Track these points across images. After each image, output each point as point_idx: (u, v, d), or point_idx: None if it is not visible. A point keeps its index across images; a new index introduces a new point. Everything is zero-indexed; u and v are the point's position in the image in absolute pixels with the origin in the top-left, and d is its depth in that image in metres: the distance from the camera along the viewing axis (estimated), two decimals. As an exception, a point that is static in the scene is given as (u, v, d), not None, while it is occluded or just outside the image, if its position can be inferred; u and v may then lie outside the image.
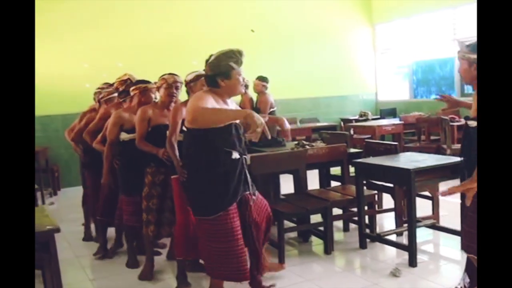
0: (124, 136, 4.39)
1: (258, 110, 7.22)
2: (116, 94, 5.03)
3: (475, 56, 2.99)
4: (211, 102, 3.21)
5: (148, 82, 4.50)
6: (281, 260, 4.37)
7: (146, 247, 4.42)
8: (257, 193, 3.60)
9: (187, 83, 4.02)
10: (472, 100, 3.24)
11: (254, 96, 7.72)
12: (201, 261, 3.97)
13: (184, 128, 3.47)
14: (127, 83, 4.68)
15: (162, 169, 4.12)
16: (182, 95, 4.19)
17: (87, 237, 5.59)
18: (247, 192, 3.48)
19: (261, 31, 10.20)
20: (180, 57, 9.02)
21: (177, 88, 4.17)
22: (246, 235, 3.49)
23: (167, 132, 3.90)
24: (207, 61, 3.39)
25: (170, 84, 4.12)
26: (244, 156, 3.41)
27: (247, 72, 8.28)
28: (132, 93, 4.47)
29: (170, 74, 4.18)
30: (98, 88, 5.47)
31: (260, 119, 2.92)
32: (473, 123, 3.07)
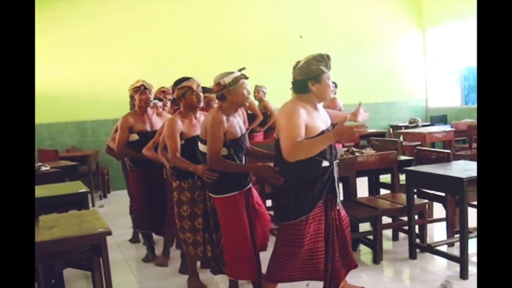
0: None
1: None
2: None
3: None
4: (303, 120, 3.19)
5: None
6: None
7: (191, 270, 4.26)
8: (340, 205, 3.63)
9: (224, 87, 3.54)
10: None
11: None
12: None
13: (275, 135, 3.39)
14: (141, 89, 4.77)
15: (199, 183, 3.99)
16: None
17: (134, 239, 5.68)
18: (334, 197, 3.50)
19: (310, 36, 10.18)
20: (228, 63, 9.06)
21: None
22: (327, 237, 3.51)
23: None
24: (294, 67, 3.37)
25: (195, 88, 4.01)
26: (335, 162, 3.43)
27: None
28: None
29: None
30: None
31: (345, 131, 3.01)
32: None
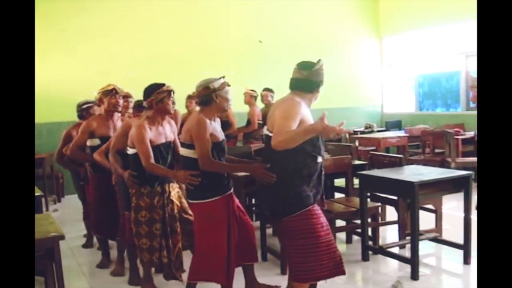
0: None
1: None
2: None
3: None
4: (300, 115, 3.20)
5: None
6: (284, 272, 4.38)
7: (146, 274, 4.21)
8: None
9: (213, 91, 3.60)
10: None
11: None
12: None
13: (266, 131, 3.38)
14: (112, 93, 4.69)
15: (158, 189, 4.03)
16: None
17: (87, 244, 5.63)
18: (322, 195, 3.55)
19: (269, 42, 10.27)
20: (190, 67, 9.11)
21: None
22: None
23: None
24: (304, 66, 3.37)
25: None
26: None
27: (255, 84, 8.40)
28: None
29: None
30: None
31: (328, 128, 3.04)
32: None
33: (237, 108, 7.17)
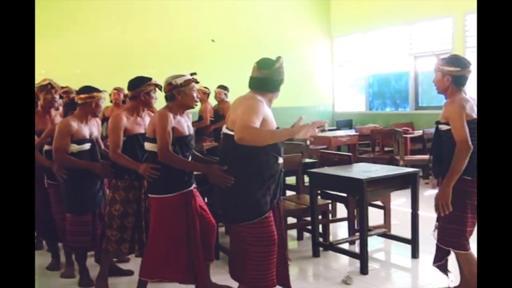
0: (74, 147, 4.12)
1: (221, 117, 7.57)
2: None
3: (448, 68, 3.37)
4: (263, 113, 3.15)
5: (100, 90, 4.25)
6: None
7: (104, 265, 4.16)
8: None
9: (175, 87, 3.62)
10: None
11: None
12: None
13: (225, 130, 3.32)
14: (47, 88, 4.52)
15: (136, 183, 3.98)
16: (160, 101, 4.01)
17: (36, 246, 5.44)
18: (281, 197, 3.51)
19: (222, 41, 10.27)
20: (139, 66, 9.01)
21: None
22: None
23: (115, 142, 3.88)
24: (264, 64, 3.31)
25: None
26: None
27: (208, 81, 8.39)
28: (80, 101, 4.14)
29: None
30: None
31: (302, 132, 3.02)
32: (444, 127, 3.39)
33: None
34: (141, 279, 3.75)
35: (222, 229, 5.29)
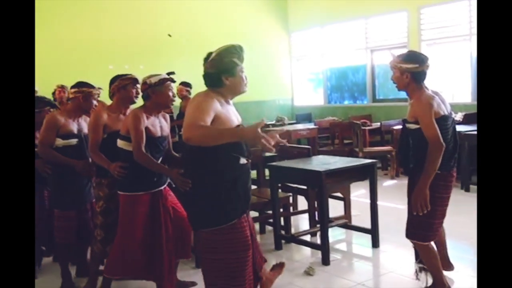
0: (59, 142, 4.00)
1: (183, 115, 7.39)
2: None
3: (406, 65, 3.38)
4: (213, 111, 2.85)
5: (92, 86, 4.15)
6: (199, 265, 4.38)
7: (92, 267, 4.05)
8: None
9: (149, 86, 3.58)
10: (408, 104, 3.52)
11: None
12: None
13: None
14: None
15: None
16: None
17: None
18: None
19: (179, 36, 10.20)
20: (95, 61, 8.89)
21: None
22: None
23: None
24: (205, 59, 3.08)
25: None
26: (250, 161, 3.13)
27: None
28: (71, 95, 4.10)
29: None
30: None
31: (259, 136, 2.57)
32: (412, 126, 3.39)
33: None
34: (105, 276, 3.73)
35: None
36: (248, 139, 2.67)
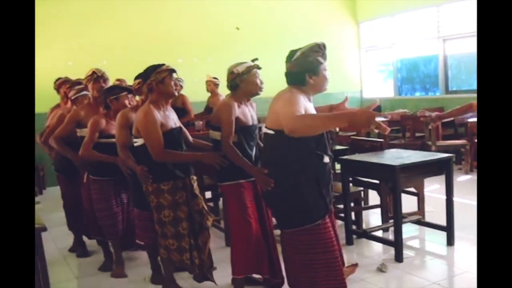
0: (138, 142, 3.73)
1: (211, 110, 7.47)
2: (85, 93, 4.72)
3: None
4: (303, 104, 2.89)
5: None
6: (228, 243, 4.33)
7: (167, 275, 3.89)
8: None
9: (237, 75, 3.55)
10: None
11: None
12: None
13: (265, 129, 3.11)
14: (93, 77, 4.37)
15: (180, 183, 3.68)
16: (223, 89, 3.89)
17: (82, 253, 5.11)
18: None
19: (247, 29, 10.22)
20: (164, 55, 9.01)
21: None
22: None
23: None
24: (288, 58, 3.12)
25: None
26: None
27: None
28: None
29: None
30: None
31: (373, 113, 2.52)
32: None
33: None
34: (235, 277, 3.73)
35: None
36: (360, 120, 2.50)
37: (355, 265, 4.03)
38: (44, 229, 2.94)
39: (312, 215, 2.97)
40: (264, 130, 3.11)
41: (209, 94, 7.85)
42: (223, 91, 7.58)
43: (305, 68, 3.02)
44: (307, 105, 2.96)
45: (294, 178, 2.95)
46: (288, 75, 3.11)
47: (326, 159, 3.02)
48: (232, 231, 3.72)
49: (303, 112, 2.81)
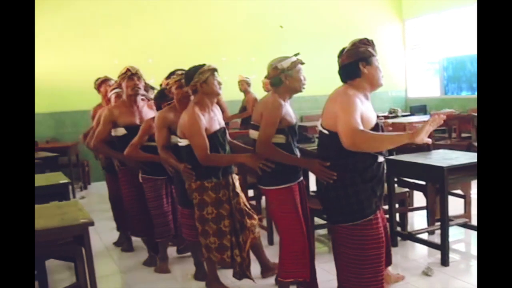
0: (176, 139, 3.79)
1: (245, 109, 7.64)
2: (117, 90, 4.79)
3: None
4: (359, 109, 2.89)
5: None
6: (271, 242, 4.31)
7: (211, 272, 3.90)
8: None
9: (282, 71, 3.35)
10: None
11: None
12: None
13: (320, 128, 3.10)
14: (127, 75, 4.37)
15: (222, 182, 3.69)
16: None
17: (127, 248, 5.17)
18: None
19: (291, 27, 10.18)
20: (209, 54, 9.07)
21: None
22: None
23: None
24: (340, 53, 3.10)
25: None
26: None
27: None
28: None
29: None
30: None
31: (422, 135, 2.70)
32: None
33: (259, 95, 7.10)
34: (280, 280, 3.58)
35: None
36: (414, 140, 2.73)
37: (401, 277, 3.94)
38: (92, 223, 2.99)
39: (365, 211, 3.02)
40: (320, 128, 3.11)
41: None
42: (255, 90, 7.64)
43: (357, 57, 3.02)
44: (363, 108, 2.94)
45: (350, 176, 2.99)
46: (342, 69, 3.08)
47: (381, 159, 3.04)
48: (283, 235, 3.50)
49: (359, 121, 2.84)
